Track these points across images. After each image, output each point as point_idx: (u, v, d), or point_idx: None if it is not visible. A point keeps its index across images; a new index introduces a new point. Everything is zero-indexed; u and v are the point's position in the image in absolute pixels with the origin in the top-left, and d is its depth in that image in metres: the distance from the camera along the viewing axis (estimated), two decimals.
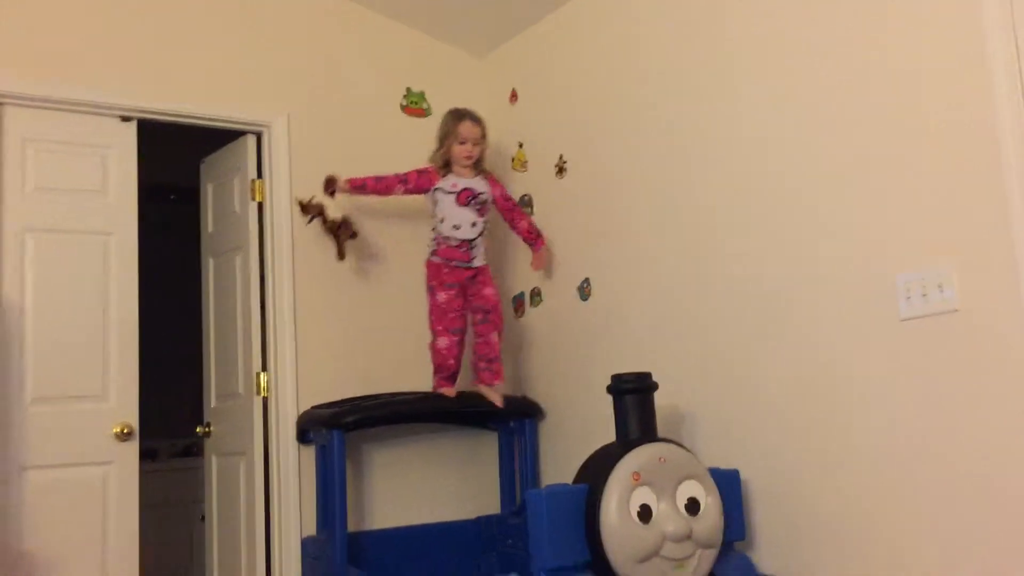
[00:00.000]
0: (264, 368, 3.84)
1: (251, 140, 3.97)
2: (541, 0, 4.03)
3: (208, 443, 4.15)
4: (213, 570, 4.01)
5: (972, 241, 2.54)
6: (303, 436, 3.77)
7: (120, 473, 3.50)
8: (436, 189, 3.71)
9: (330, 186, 3.72)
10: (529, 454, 3.90)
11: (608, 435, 3.04)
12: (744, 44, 3.18)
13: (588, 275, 3.80)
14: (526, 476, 3.90)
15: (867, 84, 2.79)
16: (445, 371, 3.69)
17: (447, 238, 3.67)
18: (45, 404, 3.41)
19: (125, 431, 3.51)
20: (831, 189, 2.90)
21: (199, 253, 4.31)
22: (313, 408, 3.76)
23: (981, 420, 2.50)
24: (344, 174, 3.75)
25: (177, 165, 4.46)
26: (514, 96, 4.31)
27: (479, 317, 3.73)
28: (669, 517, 2.74)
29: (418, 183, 3.73)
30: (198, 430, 4.16)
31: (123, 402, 3.55)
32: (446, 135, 3.74)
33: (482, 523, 3.95)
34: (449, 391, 3.68)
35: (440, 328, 3.67)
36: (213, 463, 4.08)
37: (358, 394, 3.83)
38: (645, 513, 2.73)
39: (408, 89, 4.31)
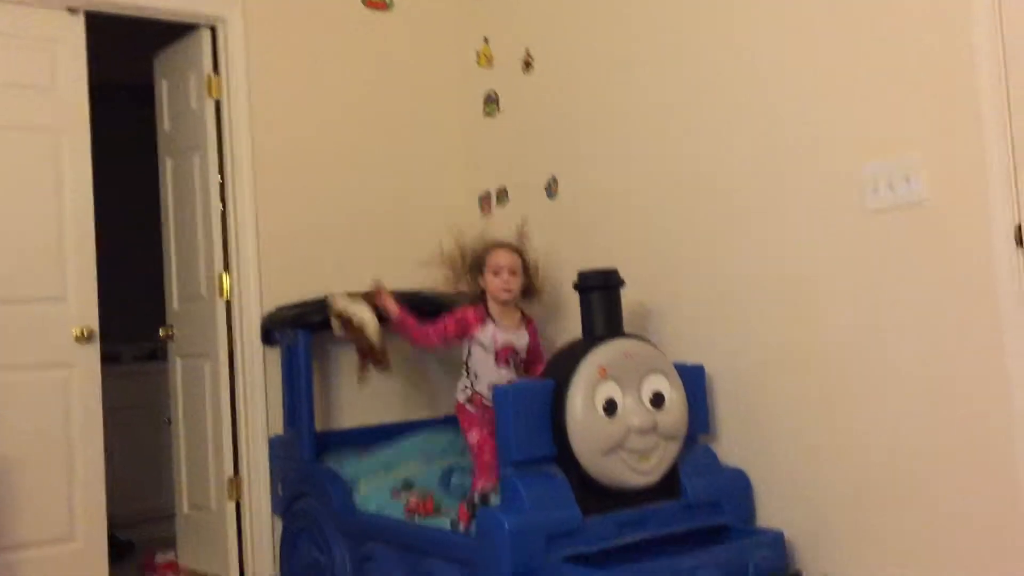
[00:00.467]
0: (226, 269, 3.79)
1: (206, 34, 3.83)
2: None
3: (172, 346, 4.11)
4: (181, 471, 4.03)
5: (940, 132, 2.52)
6: (268, 337, 3.74)
7: (82, 376, 3.46)
8: (472, 339, 3.19)
9: (378, 298, 3.31)
10: None
11: (577, 333, 3.04)
12: None
13: (555, 173, 3.75)
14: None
15: None
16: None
17: (483, 396, 3.16)
18: (1, 306, 3.34)
19: (85, 333, 3.46)
20: (798, 80, 2.86)
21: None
22: (278, 309, 3.72)
23: (946, 312, 2.52)
24: (304, 72, 3.63)
25: (131, 62, 4.31)
26: None
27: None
28: (634, 410, 2.76)
29: (457, 332, 3.21)
30: (160, 333, 4.12)
31: (82, 304, 3.49)
32: (477, 266, 3.21)
33: (450, 421, 3.97)
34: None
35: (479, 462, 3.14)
36: (178, 365, 4.06)
37: (324, 293, 3.78)
38: (611, 407, 2.75)
39: None
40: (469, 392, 3.21)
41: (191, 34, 3.89)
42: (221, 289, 3.77)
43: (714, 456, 3.04)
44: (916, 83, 2.56)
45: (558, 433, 2.74)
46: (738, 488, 2.98)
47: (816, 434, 2.85)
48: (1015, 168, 2.37)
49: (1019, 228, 2.36)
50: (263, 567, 3.64)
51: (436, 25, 4.25)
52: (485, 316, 3.19)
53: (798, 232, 2.88)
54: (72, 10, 3.55)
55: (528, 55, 3.89)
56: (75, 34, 3.57)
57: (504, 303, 3.18)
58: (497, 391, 2.80)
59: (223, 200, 3.80)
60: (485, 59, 4.14)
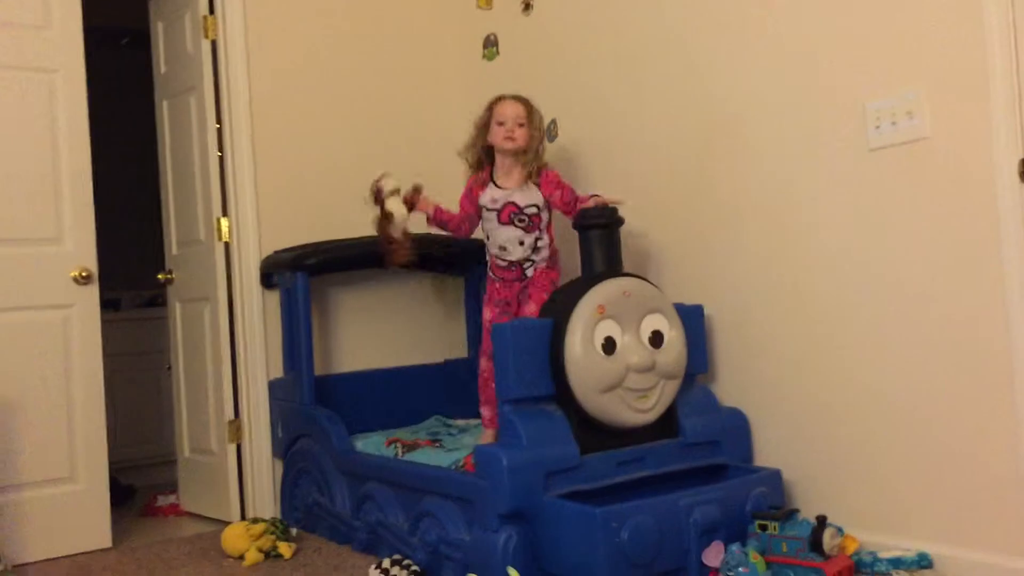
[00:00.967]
0: (225, 213, 3.77)
1: None
2: None
3: (171, 290, 4.11)
4: (181, 415, 4.04)
5: (943, 66, 2.49)
6: (267, 280, 3.73)
7: (81, 317, 3.45)
8: (481, 207, 3.19)
9: (414, 197, 3.20)
10: None
11: (577, 275, 3.03)
12: None
13: (555, 115, 3.71)
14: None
15: None
16: (483, 396, 3.19)
17: (496, 257, 3.19)
18: None
19: (84, 275, 3.45)
20: (801, 16, 2.81)
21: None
22: (276, 252, 3.71)
23: (948, 248, 2.51)
24: (301, 14, 3.59)
25: (127, 5, 4.26)
26: None
27: None
28: (633, 349, 2.75)
29: (470, 204, 3.21)
30: (160, 276, 4.11)
31: (80, 246, 3.47)
32: (483, 123, 3.18)
33: (449, 366, 3.99)
34: (489, 433, 3.15)
35: (482, 349, 3.22)
36: (177, 309, 4.05)
37: (324, 239, 3.77)
38: (609, 345, 2.74)
39: None
40: (487, 258, 3.24)
41: None
42: (220, 233, 3.76)
43: (712, 396, 3.05)
44: (919, 15, 2.52)
45: (557, 371, 2.74)
46: (736, 427, 2.99)
47: (815, 374, 2.85)
48: (1020, 101, 2.34)
49: (1022, 163, 2.33)
50: (264, 509, 3.66)
51: None
52: (488, 180, 3.19)
53: (800, 170, 2.86)
54: None
55: None
56: None
57: (508, 154, 3.13)
58: (496, 328, 2.79)
59: (220, 143, 3.77)
60: (485, 1, 4.08)
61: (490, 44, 4.04)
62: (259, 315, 3.72)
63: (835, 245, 2.78)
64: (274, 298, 3.74)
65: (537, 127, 3.15)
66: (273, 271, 3.68)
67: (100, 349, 3.49)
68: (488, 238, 3.21)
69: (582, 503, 2.54)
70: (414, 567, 2.81)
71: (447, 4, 4.20)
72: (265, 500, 3.70)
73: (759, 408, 3.00)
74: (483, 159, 3.22)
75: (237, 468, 3.73)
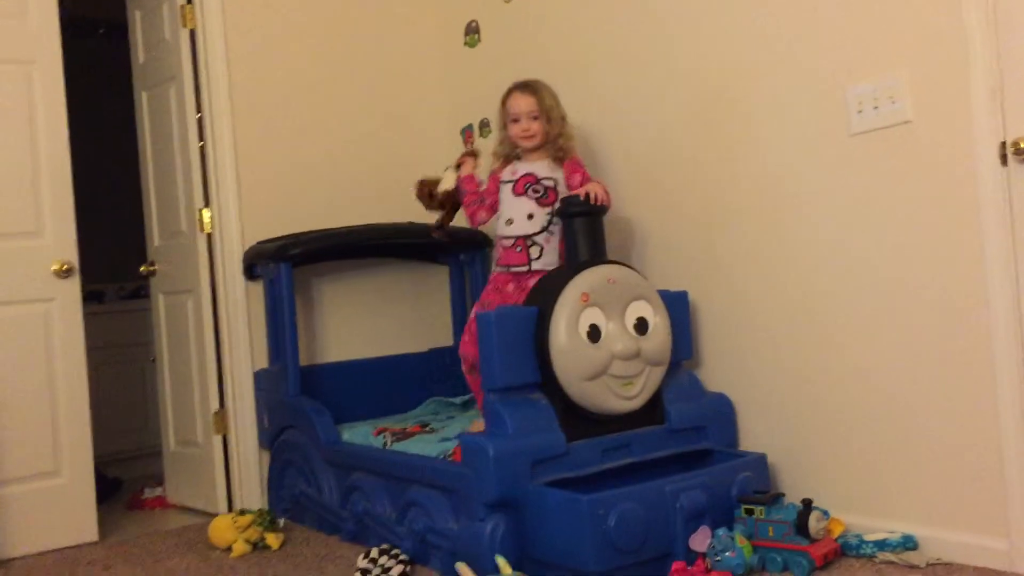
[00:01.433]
0: (207, 204, 3.74)
1: None
2: None
3: (154, 282, 4.08)
4: (166, 407, 4.02)
5: (925, 50, 2.49)
6: (250, 271, 3.71)
7: (63, 310, 3.43)
8: (500, 183, 3.12)
9: (464, 158, 3.21)
10: (479, 286, 3.87)
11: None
12: None
13: None
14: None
15: None
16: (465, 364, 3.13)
17: (502, 238, 3.09)
18: None
19: (65, 268, 3.42)
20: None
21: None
22: (260, 243, 3.69)
23: (930, 233, 2.52)
24: (281, 1, 3.53)
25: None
26: None
27: None
28: (618, 336, 2.75)
29: (490, 188, 3.14)
30: (142, 269, 4.09)
31: (60, 239, 3.44)
32: (502, 122, 3.12)
33: (434, 355, 3.99)
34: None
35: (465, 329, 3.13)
36: (160, 301, 4.03)
37: (307, 229, 3.75)
38: (594, 333, 2.74)
39: None
40: (497, 246, 3.14)
41: None
42: (202, 224, 3.73)
43: (697, 381, 3.05)
44: (901, 2, 2.52)
45: (542, 359, 2.74)
46: (721, 413, 3.00)
47: (799, 359, 2.86)
48: (1000, 85, 2.35)
49: (1003, 145, 2.34)
50: (251, 500, 3.65)
51: None
52: (511, 161, 3.12)
53: (783, 155, 2.86)
54: None
55: None
56: None
57: (530, 150, 3.07)
58: (480, 316, 2.78)
59: (201, 133, 3.74)
60: None
61: (472, 31, 4.01)
62: (243, 306, 3.70)
63: (818, 230, 2.78)
64: (258, 289, 3.72)
65: (553, 115, 3.05)
66: (256, 262, 3.66)
67: (83, 342, 3.47)
68: (499, 216, 3.11)
69: (569, 491, 2.54)
70: (402, 556, 2.81)
71: None
72: (252, 491, 3.69)
73: (744, 393, 3.01)
74: (512, 154, 3.14)
75: (223, 460, 3.72)
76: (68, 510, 3.39)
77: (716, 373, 3.09)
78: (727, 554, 2.47)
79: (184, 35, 3.73)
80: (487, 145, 3.83)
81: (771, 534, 2.55)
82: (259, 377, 3.69)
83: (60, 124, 3.46)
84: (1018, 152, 2.31)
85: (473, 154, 3.21)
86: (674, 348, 2.91)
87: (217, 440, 3.71)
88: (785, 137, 2.84)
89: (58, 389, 3.41)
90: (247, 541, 3.17)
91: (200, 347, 3.76)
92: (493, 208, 3.14)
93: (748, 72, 2.93)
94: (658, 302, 2.89)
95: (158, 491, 4.12)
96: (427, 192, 3.24)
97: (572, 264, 2.90)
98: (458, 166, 3.20)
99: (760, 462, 2.83)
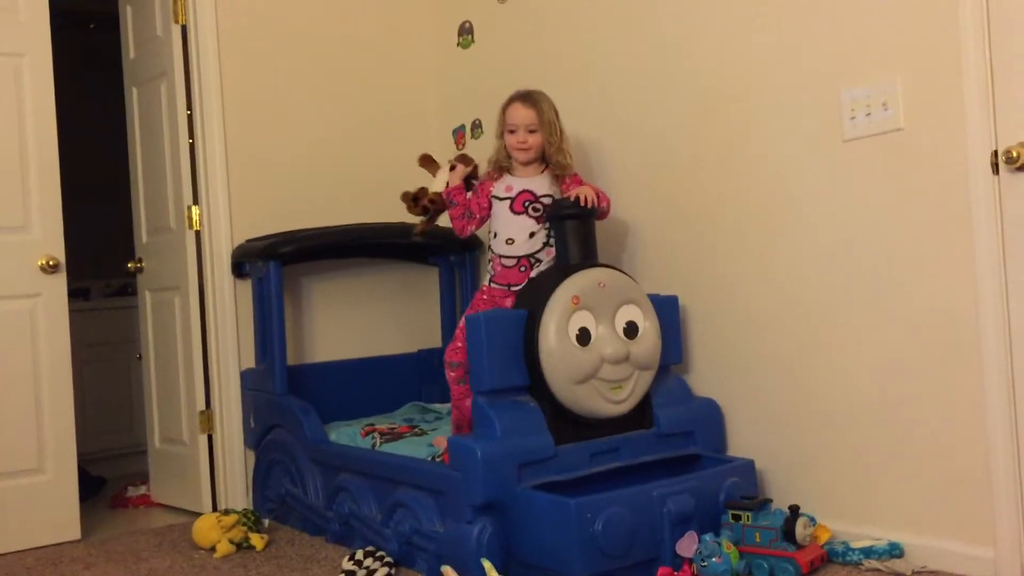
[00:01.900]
0: (196, 201, 3.72)
1: None
2: None
3: (141, 279, 4.05)
4: (152, 405, 4.00)
5: (918, 56, 2.49)
6: (239, 270, 3.69)
7: (48, 306, 3.40)
8: (492, 198, 3.03)
9: (457, 161, 3.16)
10: (469, 288, 3.87)
11: None
12: None
13: None
14: (466, 310, 3.89)
15: None
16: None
17: (501, 257, 3.00)
18: None
19: (51, 263, 3.39)
20: (775, 4, 2.81)
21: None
22: (248, 241, 3.67)
23: (922, 240, 2.52)
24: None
25: None
26: None
27: None
28: (607, 340, 2.75)
29: (480, 203, 3.04)
30: (129, 265, 4.06)
31: (47, 234, 3.41)
32: (499, 131, 3.04)
33: (423, 356, 3.97)
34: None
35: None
36: (147, 299, 4.00)
37: (296, 227, 3.73)
38: (584, 336, 2.73)
39: None
40: (492, 264, 3.04)
41: None
42: (190, 221, 3.71)
43: (686, 386, 3.05)
44: (895, 9, 2.52)
45: (531, 362, 2.72)
46: (710, 418, 2.99)
47: (788, 365, 2.86)
48: (992, 93, 2.35)
49: (995, 154, 2.35)
50: (236, 500, 3.63)
51: None
52: (503, 172, 3.04)
53: (775, 160, 2.86)
54: None
55: None
56: None
57: (525, 163, 3.00)
58: (470, 319, 2.77)
59: (191, 130, 3.71)
60: None
61: (465, 32, 4.00)
62: (231, 304, 3.68)
63: (809, 236, 2.78)
64: (246, 287, 3.70)
65: (552, 129, 2.98)
66: (245, 260, 3.64)
67: (68, 338, 3.44)
68: (494, 236, 3.02)
69: (556, 494, 2.53)
70: (387, 559, 2.80)
71: None
72: (237, 491, 3.66)
73: (733, 398, 3.01)
74: (504, 163, 3.06)
75: (208, 459, 3.69)
76: (51, 508, 3.36)
77: (705, 378, 3.09)
78: (714, 560, 2.47)
79: (176, 31, 3.71)
80: (479, 147, 3.84)
81: (758, 540, 2.55)
82: (246, 376, 3.67)
83: (49, 118, 3.43)
84: (1009, 161, 2.31)
85: (466, 161, 3.18)
86: (663, 352, 2.90)
87: (202, 439, 3.69)
88: (779, 143, 2.84)
89: (42, 386, 3.38)
90: (231, 541, 3.14)
91: (187, 345, 3.73)
92: (483, 222, 3.08)
93: (743, 76, 2.93)
94: (648, 306, 2.88)
95: (142, 490, 4.10)
96: (411, 196, 3.22)
97: (563, 266, 2.89)
98: (452, 167, 3.18)
99: (748, 468, 2.83)
